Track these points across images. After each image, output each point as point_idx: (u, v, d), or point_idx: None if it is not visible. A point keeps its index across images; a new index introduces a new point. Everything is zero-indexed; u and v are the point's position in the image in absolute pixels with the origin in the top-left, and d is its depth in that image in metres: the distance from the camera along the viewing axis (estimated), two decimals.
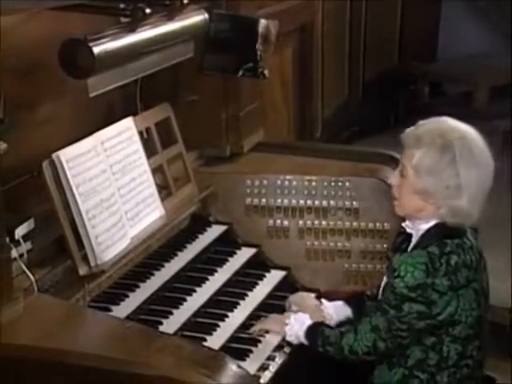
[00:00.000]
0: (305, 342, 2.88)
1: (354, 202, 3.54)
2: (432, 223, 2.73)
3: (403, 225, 2.84)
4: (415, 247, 2.75)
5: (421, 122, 2.77)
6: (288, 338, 2.93)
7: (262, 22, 3.50)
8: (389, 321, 2.67)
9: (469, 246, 2.72)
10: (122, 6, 2.87)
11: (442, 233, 2.71)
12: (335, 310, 3.08)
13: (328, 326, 2.90)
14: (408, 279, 2.61)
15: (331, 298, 3.17)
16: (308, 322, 2.91)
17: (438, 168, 2.65)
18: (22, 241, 2.72)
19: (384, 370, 2.80)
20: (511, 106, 6.56)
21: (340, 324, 3.08)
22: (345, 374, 2.90)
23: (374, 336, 2.70)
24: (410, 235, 2.81)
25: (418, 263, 2.62)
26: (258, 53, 3.49)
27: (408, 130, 2.76)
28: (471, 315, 2.69)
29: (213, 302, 3.14)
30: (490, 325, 3.89)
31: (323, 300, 3.16)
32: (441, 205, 2.68)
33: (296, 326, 2.91)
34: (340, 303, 3.11)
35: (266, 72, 3.55)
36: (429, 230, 2.73)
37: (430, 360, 2.72)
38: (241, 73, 3.54)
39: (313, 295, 3.33)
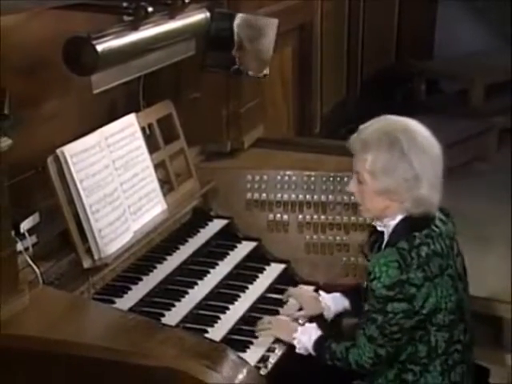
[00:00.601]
0: (314, 354, 2.88)
1: (353, 197, 3.54)
2: (399, 218, 2.73)
3: (374, 223, 2.86)
4: (387, 244, 2.76)
5: (362, 126, 2.77)
6: (298, 351, 2.93)
7: (235, 27, 3.48)
8: (380, 328, 2.67)
9: (438, 234, 2.73)
10: (124, 4, 2.88)
11: (409, 226, 2.71)
12: (333, 302, 3.11)
13: (334, 340, 2.86)
14: (384, 279, 2.61)
15: (330, 290, 3.19)
16: (314, 334, 2.90)
17: (392, 165, 2.66)
18: (27, 234, 2.75)
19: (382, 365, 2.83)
20: (510, 104, 6.58)
21: (339, 314, 3.14)
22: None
23: (372, 346, 2.71)
24: (383, 233, 2.81)
25: (390, 261, 2.62)
26: (236, 59, 3.52)
27: (353, 137, 2.76)
28: (450, 301, 2.70)
29: (214, 294, 3.17)
30: (490, 319, 3.92)
31: (321, 292, 3.19)
32: (404, 199, 2.69)
33: (303, 338, 2.90)
34: (337, 295, 3.13)
35: (250, 73, 3.55)
36: (397, 226, 2.74)
37: (420, 352, 2.73)
38: (231, 72, 3.58)
39: (311, 288, 3.37)
